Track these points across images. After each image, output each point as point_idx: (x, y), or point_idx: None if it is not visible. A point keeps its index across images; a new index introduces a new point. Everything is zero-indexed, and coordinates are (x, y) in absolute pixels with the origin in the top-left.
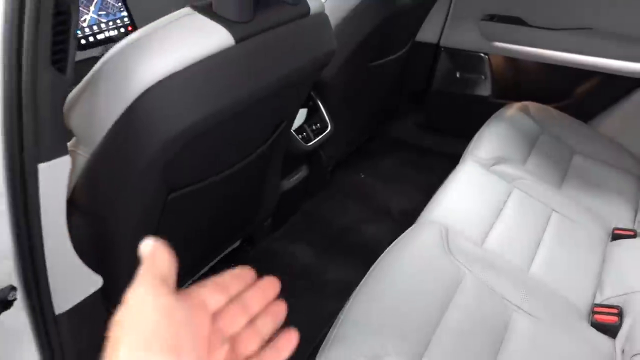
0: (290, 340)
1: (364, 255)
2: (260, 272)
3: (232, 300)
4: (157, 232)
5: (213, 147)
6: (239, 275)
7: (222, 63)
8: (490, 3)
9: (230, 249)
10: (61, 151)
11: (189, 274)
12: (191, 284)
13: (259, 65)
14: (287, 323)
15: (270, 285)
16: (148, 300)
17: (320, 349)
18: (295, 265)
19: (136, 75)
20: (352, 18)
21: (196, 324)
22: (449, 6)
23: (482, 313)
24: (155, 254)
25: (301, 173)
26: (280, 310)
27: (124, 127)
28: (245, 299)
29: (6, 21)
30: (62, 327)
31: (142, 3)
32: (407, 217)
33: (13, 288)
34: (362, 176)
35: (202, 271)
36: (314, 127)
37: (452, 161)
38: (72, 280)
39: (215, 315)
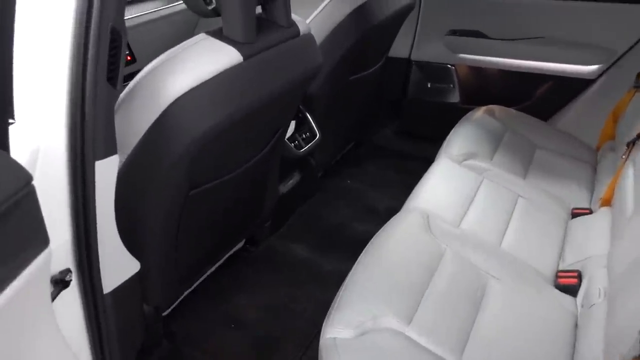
0: None
1: (356, 248)
2: (264, 269)
3: None
4: (179, 226)
5: (226, 150)
6: None
7: (233, 77)
8: (453, 19)
9: (234, 249)
10: (112, 151)
11: (198, 271)
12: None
13: (262, 77)
14: (294, 310)
15: None
16: None
17: (327, 314)
18: (296, 261)
19: (164, 91)
20: (333, 37)
21: None
22: (417, 24)
23: (461, 280)
24: None
25: (295, 179)
26: None
27: (154, 133)
28: None
29: (73, 45)
30: (107, 305)
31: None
32: (393, 213)
33: (69, 270)
34: (349, 182)
35: (209, 271)
36: (304, 135)
37: (427, 163)
38: (117, 264)
39: None
